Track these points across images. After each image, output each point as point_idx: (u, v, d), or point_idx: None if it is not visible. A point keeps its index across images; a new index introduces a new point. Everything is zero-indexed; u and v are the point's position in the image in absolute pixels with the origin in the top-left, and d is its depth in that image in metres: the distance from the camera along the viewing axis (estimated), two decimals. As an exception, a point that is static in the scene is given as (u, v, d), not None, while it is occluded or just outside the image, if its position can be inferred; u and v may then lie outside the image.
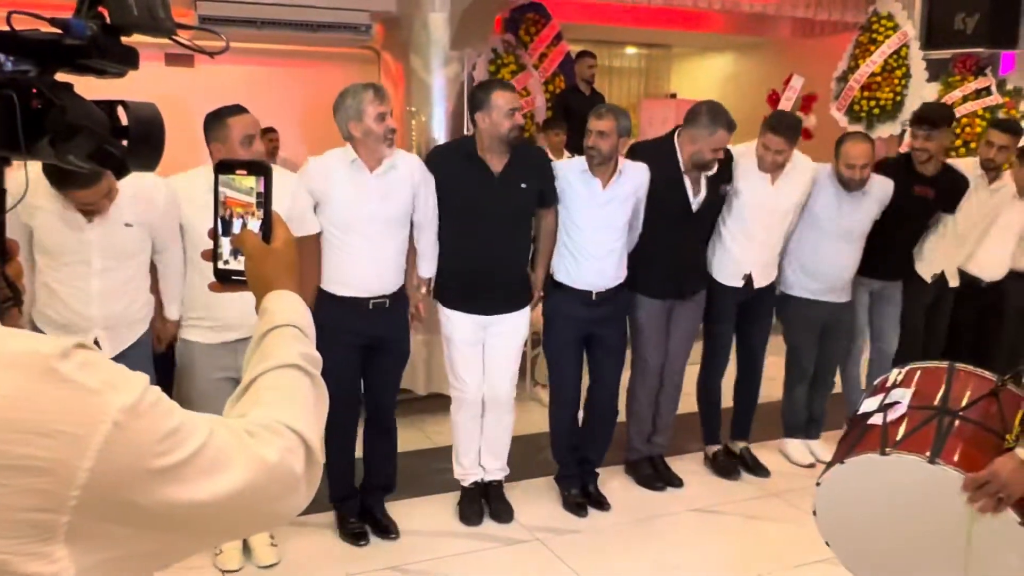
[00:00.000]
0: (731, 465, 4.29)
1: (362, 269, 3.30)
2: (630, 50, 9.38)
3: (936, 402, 2.19)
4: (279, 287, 1.09)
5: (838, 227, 4.07)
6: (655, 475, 4.12)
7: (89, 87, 1.06)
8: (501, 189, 3.46)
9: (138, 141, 1.08)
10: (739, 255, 4.01)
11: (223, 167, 1.12)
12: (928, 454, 2.03)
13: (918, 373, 2.35)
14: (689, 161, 3.71)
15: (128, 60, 1.11)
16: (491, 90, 3.41)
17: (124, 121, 1.08)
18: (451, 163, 3.49)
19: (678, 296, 3.93)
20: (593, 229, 3.61)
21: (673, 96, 8.64)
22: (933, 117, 4.18)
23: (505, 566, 3.39)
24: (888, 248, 4.28)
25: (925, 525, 2.10)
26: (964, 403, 2.17)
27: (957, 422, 2.11)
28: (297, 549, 3.44)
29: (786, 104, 6.81)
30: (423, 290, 3.61)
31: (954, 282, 4.50)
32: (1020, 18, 6.34)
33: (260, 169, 1.11)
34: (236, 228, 1.11)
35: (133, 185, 2.86)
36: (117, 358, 2.92)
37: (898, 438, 2.11)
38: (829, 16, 6.87)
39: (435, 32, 6.68)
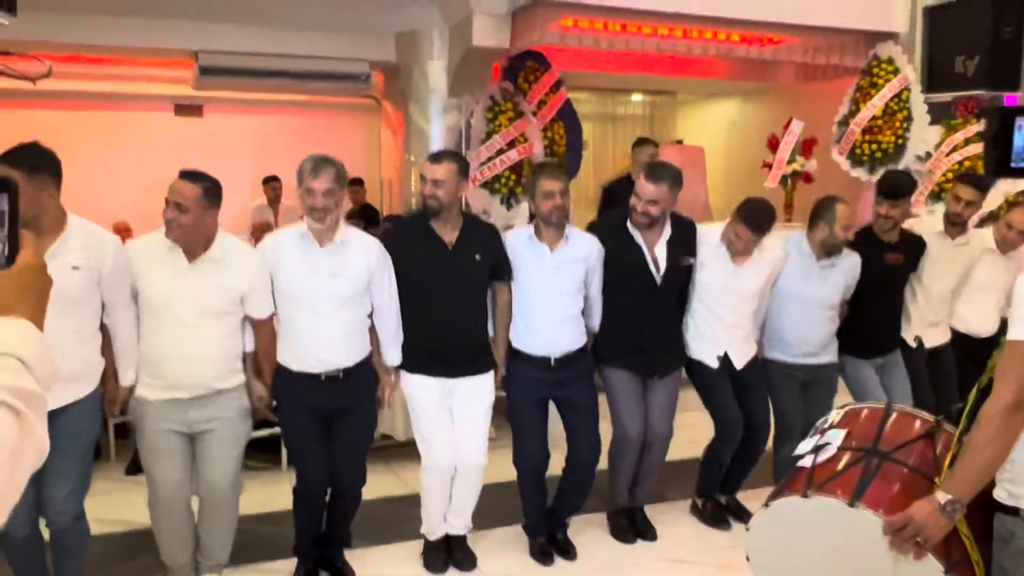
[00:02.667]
0: (720, 515, 4.16)
1: (312, 345, 3.24)
2: (635, 97, 9.41)
3: (868, 444, 2.10)
4: (10, 314, 1.00)
5: (803, 296, 3.96)
6: (629, 526, 3.99)
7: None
8: (455, 260, 3.44)
9: None
10: (710, 335, 3.92)
11: None
12: (849, 496, 1.93)
13: (855, 415, 2.27)
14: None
15: None
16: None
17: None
18: (406, 235, 3.50)
19: (648, 376, 3.82)
20: (545, 295, 3.55)
21: (679, 143, 8.63)
22: (900, 188, 4.12)
23: (459, 616, 3.29)
24: (877, 324, 4.19)
25: (852, 570, 1.99)
26: (896, 445, 2.07)
27: (885, 464, 2.01)
28: (251, 595, 3.37)
29: (785, 148, 6.78)
30: (392, 377, 3.52)
31: (929, 342, 4.38)
32: (1022, 60, 6.25)
33: (3, 186, 1.05)
34: None
35: (83, 233, 2.87)
36: (57, 413, 2.88)
37: (822, 480, 2.02)
38: (828, 61, 6.84)
39: (433, 80, 6.75)
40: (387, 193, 7.42)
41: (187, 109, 8.06)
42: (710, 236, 3.86)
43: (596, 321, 3.78)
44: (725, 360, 3.92)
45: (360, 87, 6.95)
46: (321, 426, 3.33)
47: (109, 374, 3.10)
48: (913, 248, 4.25)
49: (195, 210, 3.00)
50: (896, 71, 6.57)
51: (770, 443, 4.18)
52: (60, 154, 2.87)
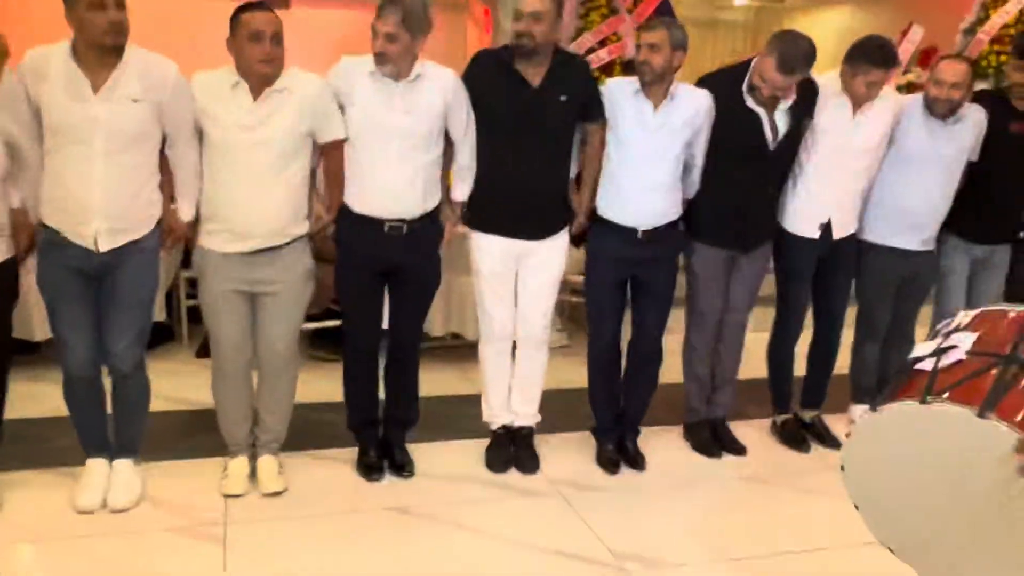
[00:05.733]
0: (800, 435, 3.91)
1: (378, 186, 3.07)
2: (739, 1, 8.77)
3: (1004, 350, 1.79)
4: None
5: (928, 156, 3.60)
6: (713, 439, 3.77)
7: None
8: (538, 103, 3.15)
9: None
10: (816, 198, 3.58)
11: None
12: (979, 406, 1.64)
13: (991, 316, 1.94)
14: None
15: None
16: None
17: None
18: (487, 73, 3.20)
19: (740, 248, 3.56)
20: (641, 158, 3.25)
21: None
22: None
23: (517, 518, 3.14)
24: (988, 200, 3.76)
25: (967, 492, 1.72)
26: (1040, 354, 1.75)
27: (1027, 375, 1.70)
28: (306, 480, 3.29)
29: (902, 55, 6.21)
30: (456, 212, 3.34)
31: None
32: None
33: None
34: None
35: (142, 61, 2.78)
36: (116, 265, 2.80)
37: (946, 386, 1.73)
38: (958, -38, 6.19)
39: (523, -27, 6.36)
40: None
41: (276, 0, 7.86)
42: (829, 86, 3.51)
43: (694, 187, 3.47)
44: (824, 232, 3.60)
45: (448, -22, 6.60)
46: (378, 282, 3.21)
47: (168, 209, 3.00)
48: None
49: (281, 40, 2.87)
50: (1036, -26, 5.92)
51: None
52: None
